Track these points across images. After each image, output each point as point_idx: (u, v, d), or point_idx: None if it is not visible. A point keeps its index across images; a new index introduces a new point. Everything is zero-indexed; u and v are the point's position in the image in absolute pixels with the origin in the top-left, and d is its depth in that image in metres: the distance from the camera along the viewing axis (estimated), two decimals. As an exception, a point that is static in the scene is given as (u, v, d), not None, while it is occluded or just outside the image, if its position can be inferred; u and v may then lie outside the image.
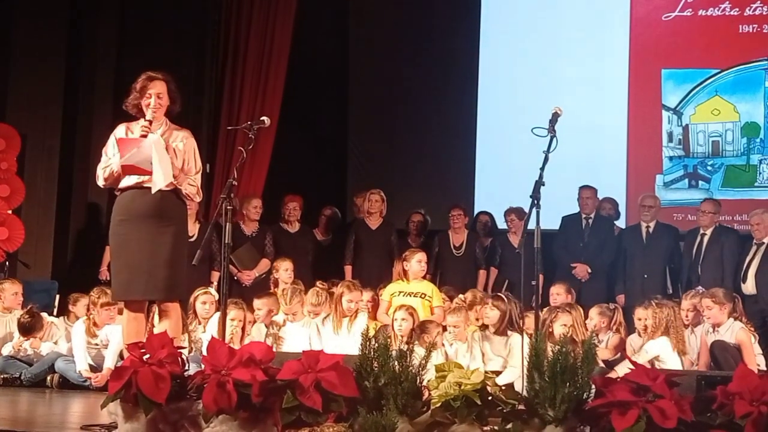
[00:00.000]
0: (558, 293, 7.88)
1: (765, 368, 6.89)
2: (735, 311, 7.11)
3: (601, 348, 6.79)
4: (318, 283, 7.89)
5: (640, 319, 7.09)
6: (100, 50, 9.91)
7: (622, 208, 9.54)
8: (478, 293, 7.78)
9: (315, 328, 7.23)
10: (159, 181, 5.29)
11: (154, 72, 5.46)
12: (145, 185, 5.37)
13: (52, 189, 9.56)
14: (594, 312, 7.26)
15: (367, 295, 7.75)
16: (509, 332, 6.71)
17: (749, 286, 8.13)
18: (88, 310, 7.55)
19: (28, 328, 7.53)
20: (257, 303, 7.37)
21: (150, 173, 5.31)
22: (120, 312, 7.13)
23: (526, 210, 5.09)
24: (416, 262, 7.90)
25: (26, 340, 7.50)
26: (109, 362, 7.09)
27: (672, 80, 10.07)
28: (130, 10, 10.07)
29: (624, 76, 10.14)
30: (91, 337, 7.35)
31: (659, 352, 6.62)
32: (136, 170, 5.33)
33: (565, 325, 6.57)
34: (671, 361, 6.57)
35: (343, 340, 7.11)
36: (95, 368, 7.26)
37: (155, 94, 5.40)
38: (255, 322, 7.34)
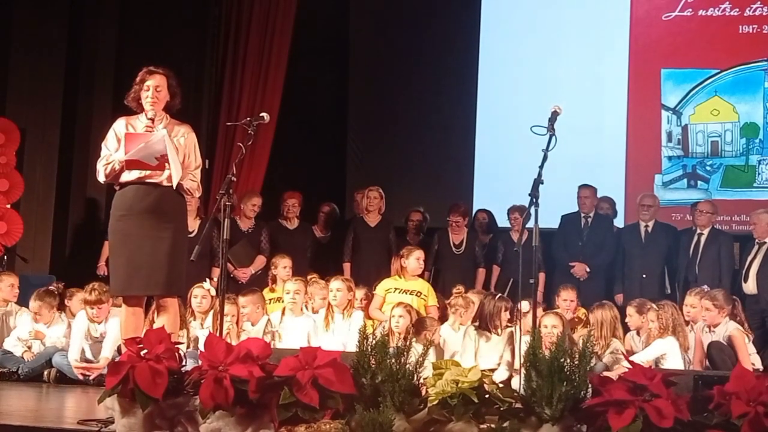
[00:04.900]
0: (571, 299, 7.81)
1: (760, 367, 6.92)
2: (733, 313, 7.14)
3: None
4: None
5: (632, 316, 7.11)
6: (100, 44, 9.90)
7: (621, 208, 9.55)
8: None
9: (313, 324, 7.24)
10: (176, 175, 5.31)
11: (156, 67, 5.48)
12: (147, 181, 5.36)
13: (51, 183, 9.56)
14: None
15: (360, 292, 7.75)
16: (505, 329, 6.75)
17: (750, 286, 8.15)
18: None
19: (42, 296, 7.65)
20: (242, 301, 7.37)
21: (153, 168, 5.31)
22: (116, 305, 7.16)
23: (529, 208, 5.09)
24: (414, 259, 7.91)
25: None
26: (107, 353, 7.10)
27: (671, 80, 10.07)
28: (130, 4, 10.07)
29: (624, 75, 10.14)
30: (91, 330, 7.36)
31: (667, 350, 6.64)
32: (139, 165, 5.32)
33: (546, 326, 6.54)
34: (676, 361, 6.58)
35: (330, 336, 7.14)
36: (92, 361, 7.27)
37: (153, 87, 5.41)
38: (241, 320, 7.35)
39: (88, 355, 7.33)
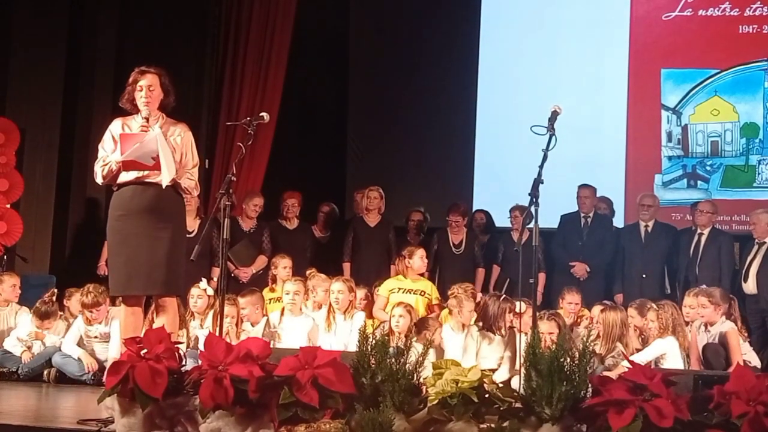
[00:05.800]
0: (576, 302, 7.81)
1: (757, 364, 6.93)
2: (730, 312, 7.13)
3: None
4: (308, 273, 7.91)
5: (633, 318, 7.12)
6: (100, 44, 9.89)
7: (621, 208, 9.56)
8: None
9: (312, 323, 7.24)
10: (167, 175, 5.30)
11: (147, 66, 5.48)
12: (145, 180, 5.37)
13: (51, 183, 9.56)
14: (597, 310, 7.27)
15: (360, 292, 7.74)
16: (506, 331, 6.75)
17: (750, 286, 8.15)
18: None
19: (44, 314, 7.56)
20: (242, 302, 7.37)
21: (150, 168, 5.32)
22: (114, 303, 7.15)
23: (530, 208, 5.09)
24: (418, 258, 7.91)
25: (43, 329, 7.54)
26: (114, 353, 7.09)
27: (671, 80, 10.07)
28: (130, 4, 10.06)
29: (623, 75, 10.14)
30: (89, 332, 7.35)
31: (666, 350, 6.64)
32: (136, 166, 5.33)
33: (542, 333, 6.52)
34: (676, 361, 6.58)
35: (332, 337, 7.14)
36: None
37: (146, 87, 5.42)
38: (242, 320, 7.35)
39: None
